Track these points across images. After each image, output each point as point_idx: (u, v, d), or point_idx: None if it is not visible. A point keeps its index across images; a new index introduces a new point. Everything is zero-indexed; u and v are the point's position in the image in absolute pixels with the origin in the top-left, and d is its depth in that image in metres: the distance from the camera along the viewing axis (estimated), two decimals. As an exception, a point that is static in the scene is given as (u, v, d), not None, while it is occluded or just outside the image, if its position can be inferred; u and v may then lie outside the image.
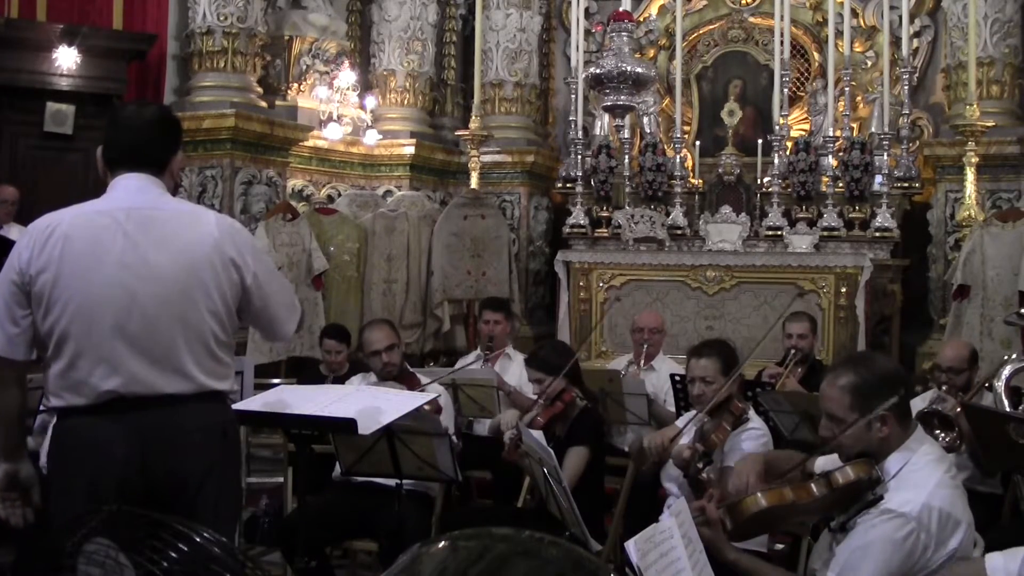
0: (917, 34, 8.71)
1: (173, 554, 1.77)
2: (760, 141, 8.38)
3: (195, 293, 2.58)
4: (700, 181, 8.75)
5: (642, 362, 5.64)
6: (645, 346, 5.65)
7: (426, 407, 4.03)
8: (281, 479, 5.14)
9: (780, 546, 3.68)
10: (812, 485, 2.57)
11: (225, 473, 2.67)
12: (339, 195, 8.63)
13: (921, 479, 2.51)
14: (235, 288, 2.66)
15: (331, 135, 8.44)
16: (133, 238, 2.56)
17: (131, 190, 2.64)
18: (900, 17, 8.18)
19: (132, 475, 2.50)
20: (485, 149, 8.73)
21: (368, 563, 4.63)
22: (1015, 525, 4.05)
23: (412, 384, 4.53)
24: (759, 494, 2.57)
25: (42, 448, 3.46)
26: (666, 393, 5.33)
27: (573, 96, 8.76)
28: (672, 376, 5.17)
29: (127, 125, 2.71)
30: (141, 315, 2.53)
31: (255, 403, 3.09)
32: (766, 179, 8.38)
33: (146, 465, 2.52)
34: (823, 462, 2.76)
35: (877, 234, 7.89)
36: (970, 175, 7.32)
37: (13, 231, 5.92)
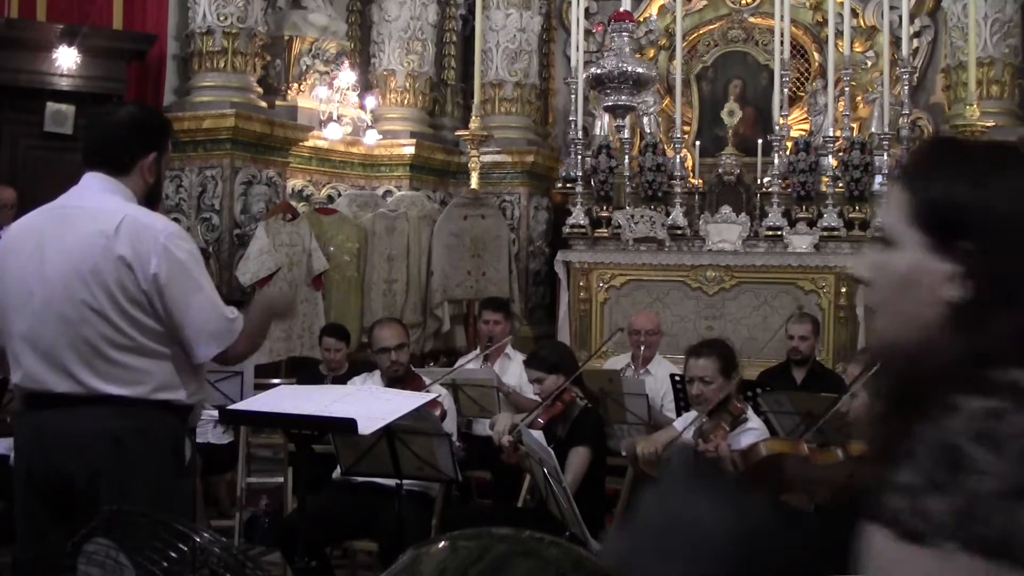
0: (917, 34, 8.70)
1: (173, 554, 1.78)
2: (760, 141, 8.37)
3: (78, 292, 2.49)
4: (700, 181, 8.73)
5: (639, 364, 5.60)
6: (642, 348, 5.62)
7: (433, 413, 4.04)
8: (281, 479, 5.14)
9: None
10: (829, 448, 2.62)
11: (120, 482, 2.47)
12: (339, 195, 8.62)
13: None
14: (129, 290, 2.50)
15: (331, 135, 8.43)
16: (40, 237, 2.60)
17: (77, 189, 2.70)
18: (900, 17, 8.16)
19: (35, 469, 2.58)
20: (485, 149, 8.72)
21: (368, 563, 4.63)
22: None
23: (417, 386, 4.52)
24: (773, 440, 2.61)
25: None
26: (663, 397, 5.31)
27: (573, 96, 8.75)
28: (672, 376, 5.16)
29: (93, 125, 2.78)
30: (33, 313, 2.55)
31: (255, 403, 3.09)
32: (766, 179, 8.37)
33: (42, 461, 2.57)
34: None
35: (877, 234, 7.87)
36: (970, 175, 7.31)
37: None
